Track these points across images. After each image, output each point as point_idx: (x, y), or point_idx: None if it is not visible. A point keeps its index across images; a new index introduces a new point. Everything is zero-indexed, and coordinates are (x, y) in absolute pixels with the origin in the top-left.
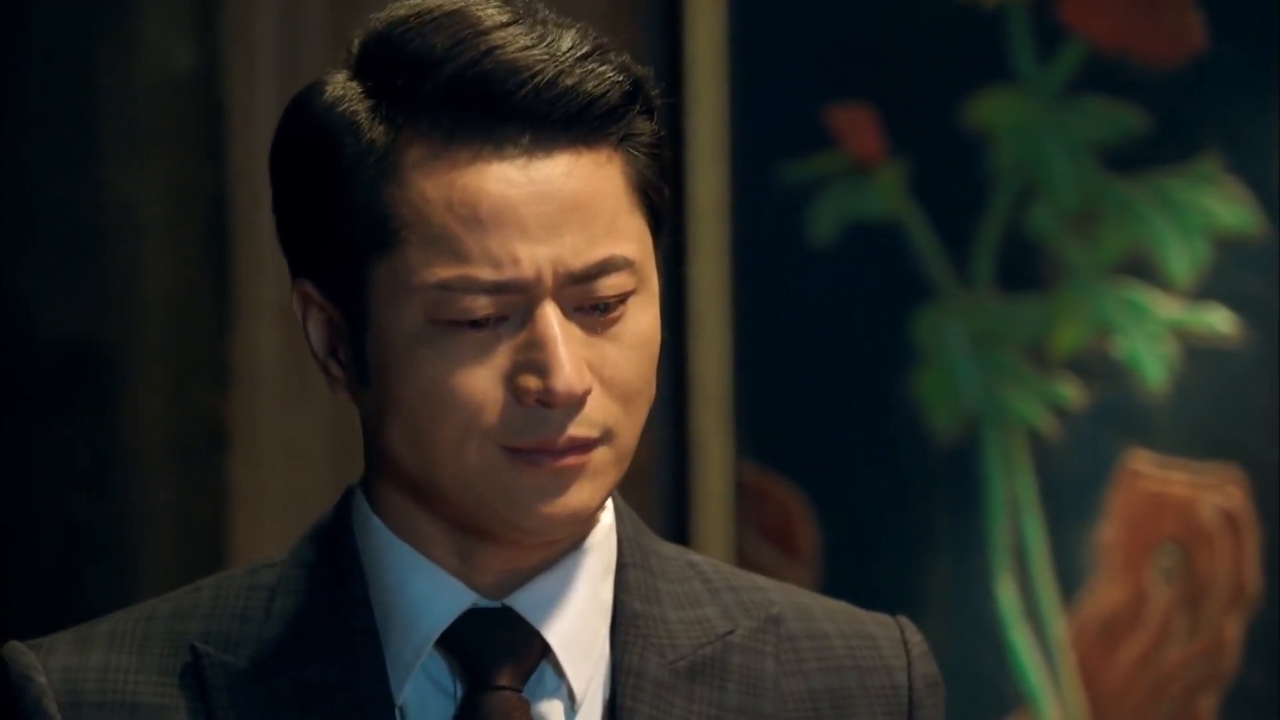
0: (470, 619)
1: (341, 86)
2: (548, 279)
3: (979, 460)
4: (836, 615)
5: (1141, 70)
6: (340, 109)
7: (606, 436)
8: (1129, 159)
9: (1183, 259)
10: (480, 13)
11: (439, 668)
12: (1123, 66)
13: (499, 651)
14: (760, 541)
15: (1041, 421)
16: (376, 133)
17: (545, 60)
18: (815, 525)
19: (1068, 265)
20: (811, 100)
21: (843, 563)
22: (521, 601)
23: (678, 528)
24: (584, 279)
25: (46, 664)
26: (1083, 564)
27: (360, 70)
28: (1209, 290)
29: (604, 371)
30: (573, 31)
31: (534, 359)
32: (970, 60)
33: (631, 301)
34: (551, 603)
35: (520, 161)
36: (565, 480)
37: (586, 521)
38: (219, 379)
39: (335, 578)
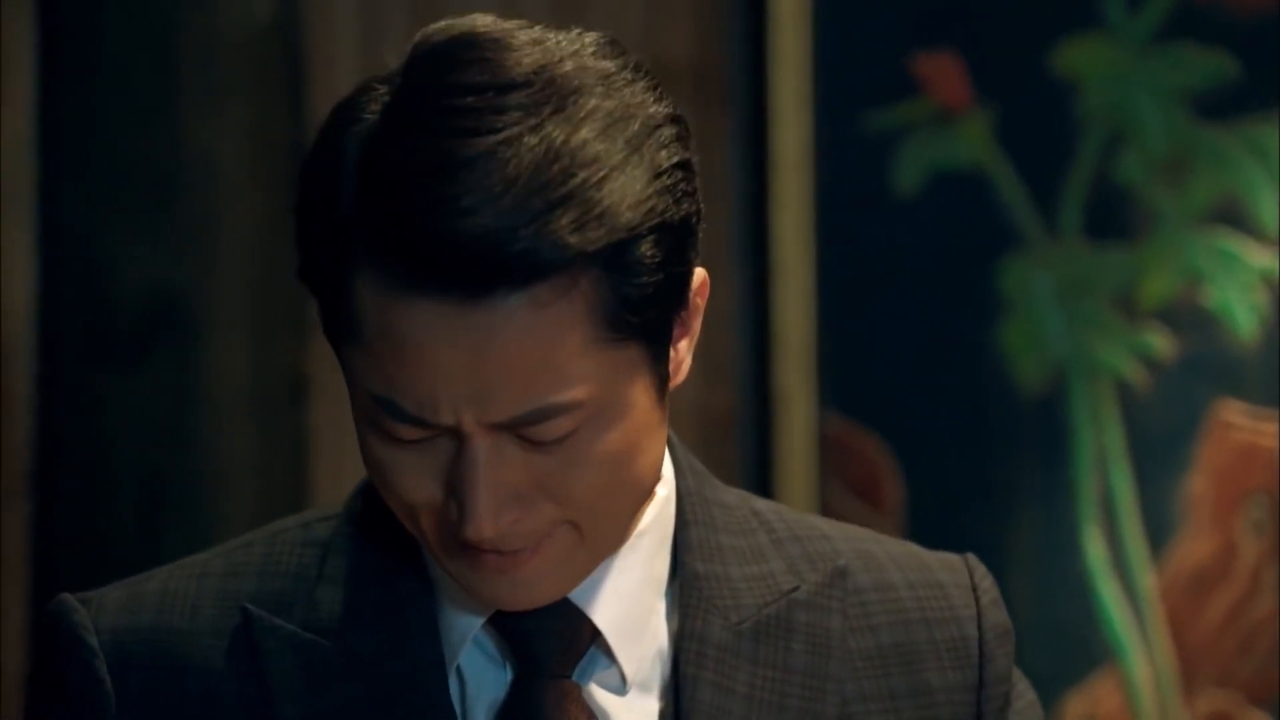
0: None
1: (357, 134)
2: (469, 426)
3: (1066, 412)
4: (904, 563)
5: (1232, 16)
6: (337, 170)
7: (564, 527)
8: (1219, 106)
9: (1273, 207)
10: (473, 122)
11: (489, 644)
12: (1213, 12)
13: (548, 636)
14: (844, 494)
15: (1130, 372)
16: (349, 214)
17: (494, 228)
18: (900, 477)
19: (1157, 214)
20: (897, 47)
21: (928, 515)
22: None
23: (761, 480)
24: (511, 426)
25: (97, 624)
26: (1172, 516)
27: (383, 111)
28: None
29: (549, 485)
30: (583, 136)
31: (457, 487)
32: (1059, 6)
33: (586, 427)
34: (602, 586)
35: (451, 310)
36: (516, 576)
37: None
38: (300, 328)
39: (388, 537)
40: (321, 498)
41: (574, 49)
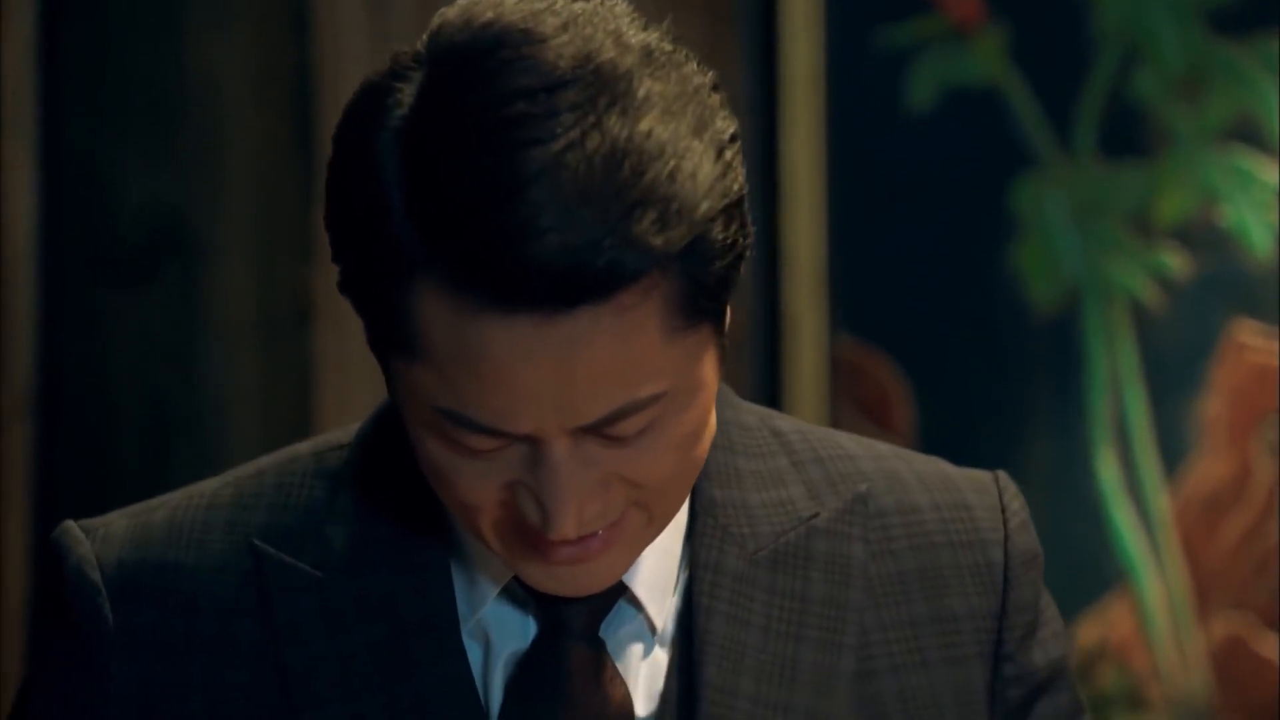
0: None
1: (389, 141)
2: (551, 431)
3: (1080, 333)
4: (931, 483)
5: None
6: (378, 183)
7: (634, 509)
8: (1236, 21)
9: None
10: (529, 132)
11: (514, 595)
12: None
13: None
14: (856, 416)
15: (1145, 292)
16: (404, 231)
17: (575, 244)
18: (912, 400)
19: (1173, 131)
20: None
21: (940, 438)
22: None
23: (771, 402)
24: (593, 428)
25: (102, 557)
26: (1186, 438)
27: (414, 113)
28: None
29: (625, 472)
30: (645, 126)
31: (536, 488)
32: None
33: (664, 415)
34: None
35: (530, 327)
36: (588, 565)
37: None
38: (305, 251)
39: (401, 472)
40: (326, 422)
41: (609, 27)
